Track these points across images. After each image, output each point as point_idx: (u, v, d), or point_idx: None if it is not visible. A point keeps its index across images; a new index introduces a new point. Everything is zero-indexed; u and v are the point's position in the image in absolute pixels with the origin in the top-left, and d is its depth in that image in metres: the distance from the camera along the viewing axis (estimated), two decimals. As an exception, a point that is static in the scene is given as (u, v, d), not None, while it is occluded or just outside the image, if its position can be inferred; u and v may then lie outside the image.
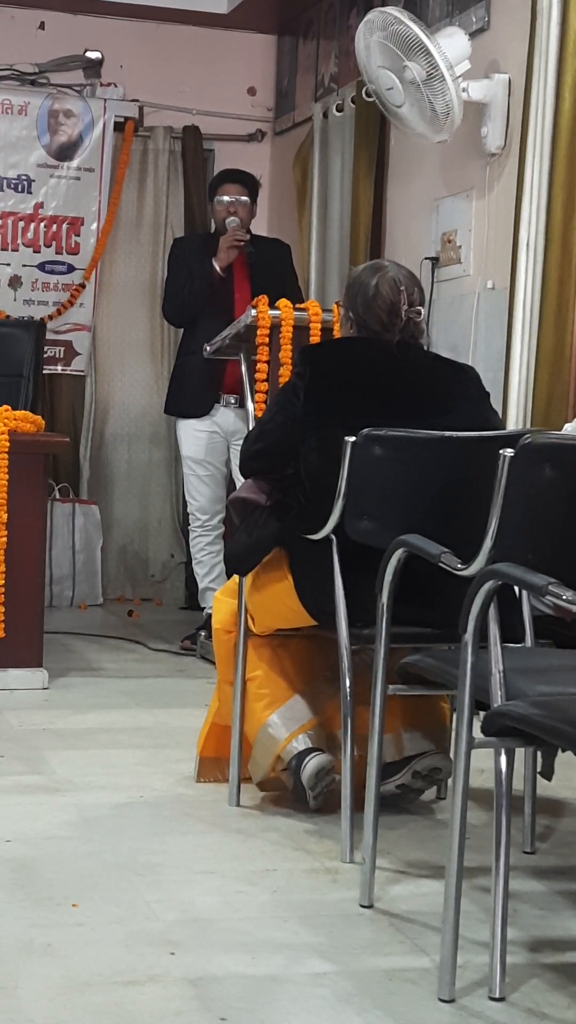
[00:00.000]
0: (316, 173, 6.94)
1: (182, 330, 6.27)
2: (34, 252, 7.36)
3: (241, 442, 3.95)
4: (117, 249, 7.59)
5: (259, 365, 4.39)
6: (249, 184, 6.07)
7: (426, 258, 5.82)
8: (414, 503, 3.24)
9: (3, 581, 5.01)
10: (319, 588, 3.42)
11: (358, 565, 3.31)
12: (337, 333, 4.39)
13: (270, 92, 7.75)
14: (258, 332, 4.35)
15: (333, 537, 3.37)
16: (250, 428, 3.93)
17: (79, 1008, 2.40)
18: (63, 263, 7.40)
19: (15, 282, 7.33)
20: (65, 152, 7.36)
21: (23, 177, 7.32)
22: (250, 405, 4.32)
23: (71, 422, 7.49)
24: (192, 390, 6.01)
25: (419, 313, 3.55)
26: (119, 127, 7.44)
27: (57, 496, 7.27)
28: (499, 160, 5.38)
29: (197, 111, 7.59)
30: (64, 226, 7.38)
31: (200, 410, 6.00)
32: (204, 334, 5.41)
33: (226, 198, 5.97)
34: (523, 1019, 2.45)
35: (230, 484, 6.06)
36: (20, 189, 7.32)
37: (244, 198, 5.99)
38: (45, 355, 7.15)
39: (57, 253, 7.39)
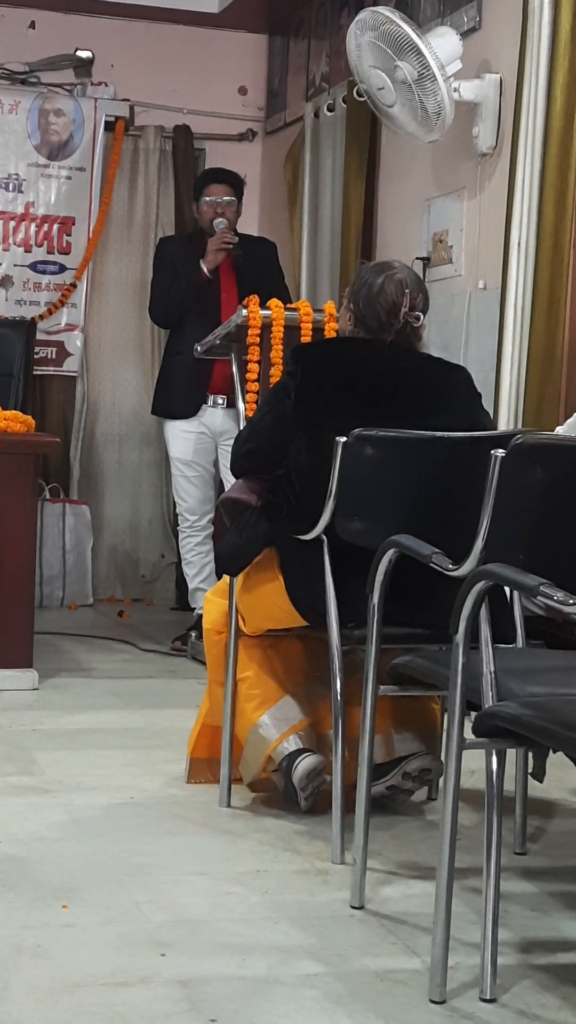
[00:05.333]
0: (307, 173, 6.93)
1: (169, 330, 6.26)
2: (25, 252, 7.35)
3: (229, 443, 3.95)
4: (108, 249, 7.58)
5: (250, 365, 4.38)
6: (235, 184, 6.05)
7: (417, 258, 5.81)
8: (405, 504, 3.23)
9: (-7, 581, 5.01)
10: (310, 589, 3.41)
11: (349, 566, 3.31)
12: (333, 327, 4.39)
13: (261, 92, 7.74)
14: (249, 332, 4.35)
15: (324, 537, 3.37)
16: (241, 428, 3.93)
17: (69, 1009, 2.40)
18: (55, 263, 7.39)
19: (6, 282, 7.32)
20: (56, 151, 7.35)
21: (14, 176, 7.31)
22: (241, 405, 4.32)
23: (61, 422, 7.48)
24: (179, 391, 6.00)
25: (418, 319, 3.54)
26: (110, 126, 7.43)
27: (47, 496, 7.25)
28: (490, 160, 5.38)
29: (188, 110, 7.58)
30: (55, 226, 7.37)
31: (187, 411, 5.98)
32: (191, 335, 5.41)
33: (212, 199, 5.96)
34: (514, 1020, 2.45)
35: (218, 485, 6.05)
36: (11, 188, 7.31)
37: (230, 198, 5.98)
38: (37, 356, 7.15)
39: (49, 253, 7.38)
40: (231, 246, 5.87)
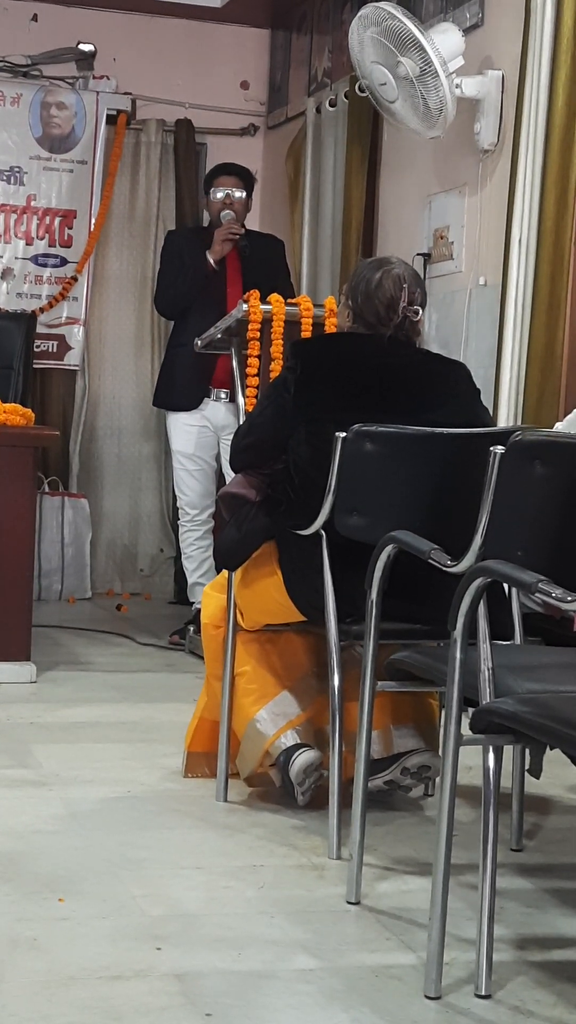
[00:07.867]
0: (308, 168, 6.93)
1: (172, 323, 6.26)
2: (27, 244, 7.35)
3: (231, 437, 3.94)
4: (109, 242, 7.57)
5: (250, 360, 4.38)
6: (245, 178, 6.06)
7: (418, 254, 5.81)
8: (404, 499, 3.23)
9: (-8, 574, 5.01)
10: (308, 583, 3.41)
11: (347, 561, 3.31)
12: (333, 322, 4.39)
13: (263, 86, 7.74)
14: (249, 327, 4.35)
15: (323, 532, 3.37)
16: (241, 422, 3.93)
17: (64, 1003, 2.40)
18: (56, 256, 7.38)
19: (7, 274, 7.32)
20: (58, 145, 7.34)
21: (16, 169, 7.31)
22: (241, 400, 4.32)
23: (61, 415, 7.48)
24: (182, 383, 6.00)
25: (417, 313, 3.54)
26: (111, 120, 7.43)
27: (46, 489, 7.25)
28: (492, 156, 5.37)
29: (190, 105, 7.58)
30: (57, 219, 7.37)
31: (189, 403, 5.98)
32: (195, 327, 5.40)
33: (221, 192, 5.96)
34: (509, 1016, 2.45)
35: (220, 479, 6.05)
36: (13, 181, 7.31)
37: (240, 192, 5.98)
38: (39, 349, 7.14)
39: (50, 246, 7.37)
40: (237, 237, 5.88)
